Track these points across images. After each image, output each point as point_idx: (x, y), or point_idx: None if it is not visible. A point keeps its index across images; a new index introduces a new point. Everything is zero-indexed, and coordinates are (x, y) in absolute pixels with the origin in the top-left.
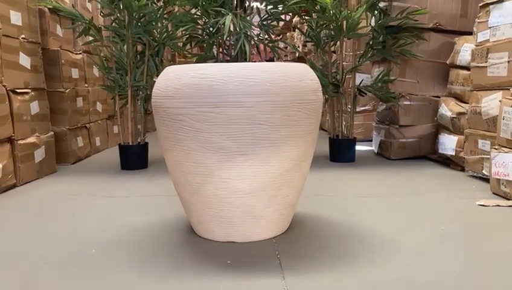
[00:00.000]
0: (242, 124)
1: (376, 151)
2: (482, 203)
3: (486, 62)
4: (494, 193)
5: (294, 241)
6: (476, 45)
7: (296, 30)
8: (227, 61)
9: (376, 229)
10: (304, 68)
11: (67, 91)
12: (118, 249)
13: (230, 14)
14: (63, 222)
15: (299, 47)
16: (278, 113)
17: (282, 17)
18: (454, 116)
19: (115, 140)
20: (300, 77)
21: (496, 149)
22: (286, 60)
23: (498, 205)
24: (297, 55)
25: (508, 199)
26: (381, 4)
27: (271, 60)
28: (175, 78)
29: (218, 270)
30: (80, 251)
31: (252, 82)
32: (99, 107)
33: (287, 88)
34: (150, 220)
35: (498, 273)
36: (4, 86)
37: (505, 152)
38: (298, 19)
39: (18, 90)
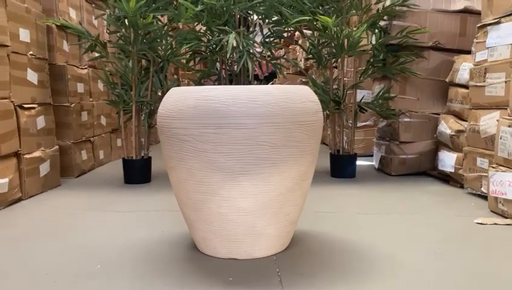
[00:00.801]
0: (244, 144)
1: (377, 166)
2: (479, 222)
3: (484, 81)
4: (492, 211)
5: (295, 258)
6: (474, 64)
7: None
8: (230, 76)
9: (375, 246)
10: (305, 90)
11: (72, 105)
12: (122, 265)
13: (233, 32)
14: (68, 237)
15: (301, 61)
16: (279, 134)
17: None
18: (453, 133)
19: (118, 153)
20: (302, 99)
21: (494, 168)
22: (288, 74)
23: (495, 223)
24: (298, 69)
25: (506, 217)
26: (382, 23)
27: (273, 73)
28: (180, 100)
29: (219, 287)
30: (86, 267)
31: (255, 104)
32: (103, 120)
33: (288, 110)
34: (153, 235)
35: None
36: (12, 101)
37: (503, 171)
38: (300, 34)
39: (25, 106)
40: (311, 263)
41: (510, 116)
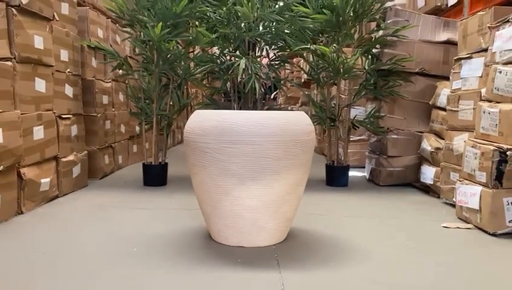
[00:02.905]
0: (253, 156)
1: (368, 177)
2: (445, 225)
3: (457, 107)
4: (458, 218)
5: (290, 248)
6: (451, 92)
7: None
8: (238, 94)
9: (355, 241)
10: (301, 116)
11: (98, 115)
12: (154, 249)
13: (244, 58)
14: (103, 228)
15: (304, 73)
16: (280, 149)
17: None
18: (433, 150)
19: (134, 158)
20: (298, 122)
21: (460, 181)
22: (292, 86)
23: (458, 227)
24: (302, 80)
25: (468, 223)
26: (374, 50)
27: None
28: (203, 120)
29: (231, 266)
30: (124, 250)
31: (262, 126)
32: (122, 128)
33: (287, 131)
34: (175, 228)
35: (446, 276)
36: (54, 112)
37: (466, 184)
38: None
39: (63, 116)
40: (303, 251)
41: (475, 138)
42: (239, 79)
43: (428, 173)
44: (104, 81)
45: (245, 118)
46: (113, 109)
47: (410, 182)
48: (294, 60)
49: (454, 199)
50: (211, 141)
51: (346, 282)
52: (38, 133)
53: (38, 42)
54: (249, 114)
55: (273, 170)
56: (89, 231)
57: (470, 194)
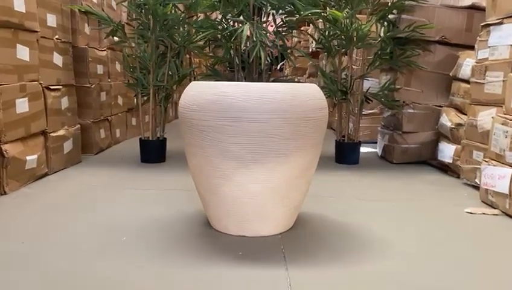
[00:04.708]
0: (256, 136)
1: (380, 154)
2: (469, 211)
3: (484, 79)
4: (482, 202)
5: (297, 238)
6: (476, 62)
7: (311, 26)
8: (242, 64)
9: (369, 229)
10: (312, 89)
11: (92, 86)
12: (145, 239)
13: (248, 23)
14: (94, 211)
15: (312, 42)
16: (288, 128)
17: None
18: (453, 126)
19: (133, 132)
20: (309, 96)
21: (486, 161)
22: (299, 56)
23: (484, 213)
24: (310, 50)
25: (494, 208)
26: (391, 16)
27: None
28: (200, 94)
29: (231, 260)
30: (113, 239)
31: (267, 101)
32: (120, 100)
33: (297, 107)
34: (171, 212)
35: (474, 274)
36: (40, 83)
37: (494, 165)
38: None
39: (51, 87)
40: (312, 242)
41: (505, 114)
42: (243, 47)
43: (446, 151)
44: (98, 49)
45: (247, 91)
46: (109, 80)
47: (426, 160)
48: (302, 28)
49: (477, 181)
50: (208, 118)
51: (362, 282)
52: (22, 105)
53: (19, 4)
54: (251, 87)
55: (280, 152)
56: (75, 216)
57: (498, 177)
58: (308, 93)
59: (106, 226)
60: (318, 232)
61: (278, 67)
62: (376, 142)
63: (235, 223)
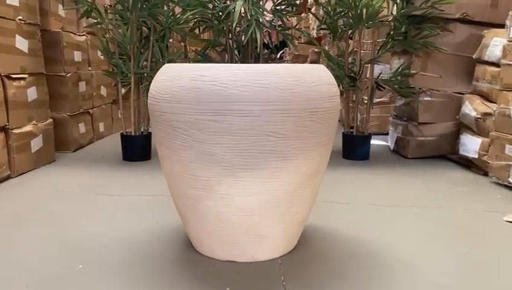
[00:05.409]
0: (247, 135)
1: (392, 148)
2: (509, 220)
3: None
4: None
5: (302, 262)
6: (509, 40)
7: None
8: (237, 48)
9: (393, 248)
10: (320, 71)
11: (68, 75)
12: (107, 265)
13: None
14: (52, 227)
15: (313, 29)
16: (289, 123)
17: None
18: (479, 116)
19: (120, 126)
20: (316, 81)
21: None
22: (300, 43)
23: None
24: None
25: None
26: None
27: (284, 41)
28: (173, 79)
29: None
30: (66, 267)
31: (260, 87)
32: (103, 91)
33: (300, 95)
34: (146, 227)
35: None
36: None
37: None
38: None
39: (14, 76)
40: (320, 268)
41: None
42: (235, 26)
43: (470, 145)
44: (75, 34)
45: (235, 75)
46: (90, 68)
47: (445, 154)
48: (302, 14)
49: (510, 179)
50: (183, 111)
51: None
52: None
53: None
54: (240, 68)
55: (279, 154)
56: (28, 233)
57: None
58: (316, 77)
59: (63, 246)
60: (328, 254)
61: (278, 56)
62: (386, 134)
63: (223, 246)
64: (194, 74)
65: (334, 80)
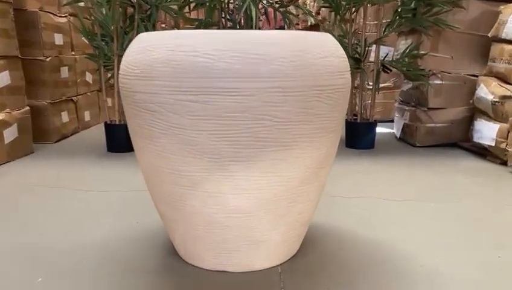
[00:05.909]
0: (238, 119)
1: (398, 135)
2: None
3: None
4: None
5: (306, 271)
6: None
7: None
8: (232, 28)
9: (412, 253)
10: (327, 40)
11: (48, 59)
12: (72, 277)
13: None
14: (16, 229)
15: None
16: (290, 104)
17: None
18: (496, 100)
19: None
20: (324, 52)
21: None
22: (298, 29)
23: None
24: (309, 23)
25: None
26: None
27: (281, 28)
28: (147, 51)
29: None
30: (23, 280)
31: (254, 59)
32: (88, 77)
33: (304, 69)
34: (125, 229)
35: None
36: None
37: None
38: None
39: None
40: (327, 277)
41: None
42: (227, 1)
43: (486, 131)
44: (55, 14)
45: (222, 42)
46: (73, 53)
47: (456, 141)
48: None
49: None
50: (159, 90)
51: None
52: None
53: None
54: (229, 35)
55: (278, 143)
56: None
57: None
58: (322, 47)
59: (21, 256)
60: (335, 259)
61: None
62: (390, 121)
63: (211, 253)
64: (171, 43)
65: (343, 52)
